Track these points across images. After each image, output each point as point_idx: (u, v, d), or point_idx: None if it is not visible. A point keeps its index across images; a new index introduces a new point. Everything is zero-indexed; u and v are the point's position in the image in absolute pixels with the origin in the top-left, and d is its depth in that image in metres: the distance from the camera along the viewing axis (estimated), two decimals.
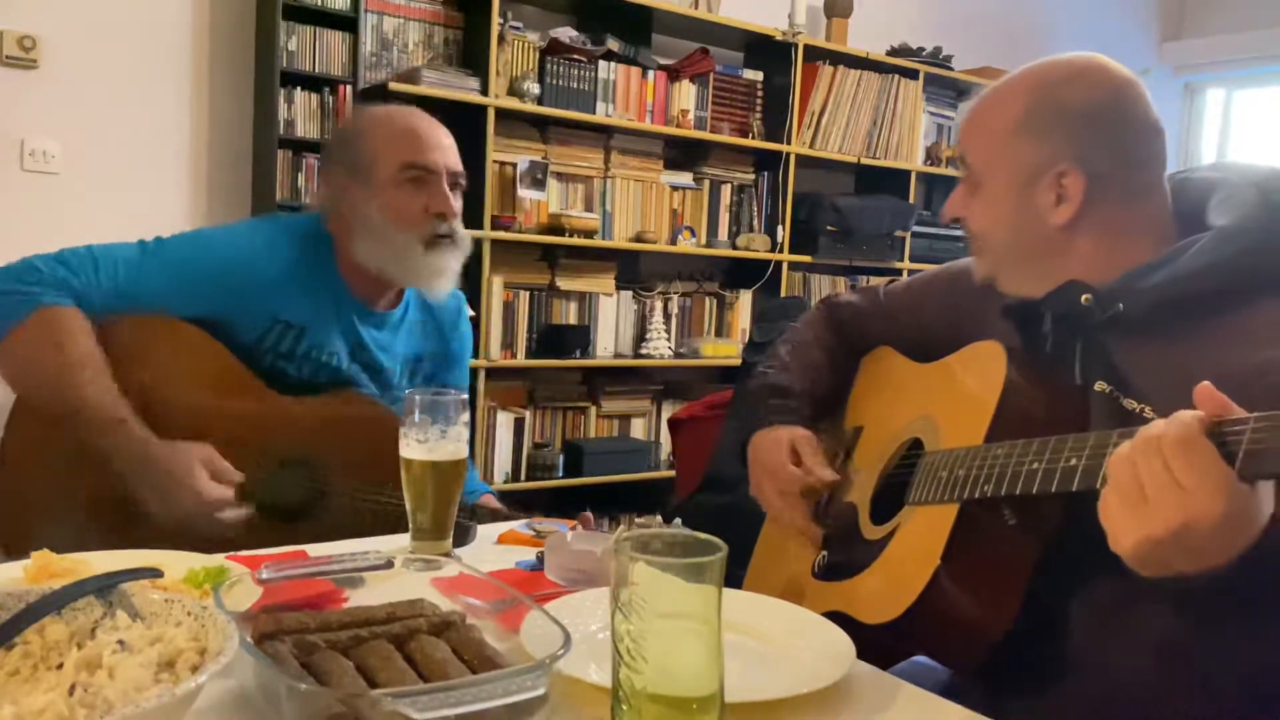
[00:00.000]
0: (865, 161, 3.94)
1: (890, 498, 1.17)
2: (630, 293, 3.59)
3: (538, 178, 3.23)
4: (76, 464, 1.41)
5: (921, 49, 4.08)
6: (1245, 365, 0.81)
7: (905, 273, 4.08)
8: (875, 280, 4.08)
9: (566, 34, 3.28)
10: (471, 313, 1.70)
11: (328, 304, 1.56)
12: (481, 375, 3.17)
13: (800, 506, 1.27)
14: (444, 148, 1.57)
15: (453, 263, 1.59)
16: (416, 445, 1.09)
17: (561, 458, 3.39)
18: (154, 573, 0.84)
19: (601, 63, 3.34)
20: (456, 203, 1.58)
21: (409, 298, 1.67)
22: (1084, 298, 1.04)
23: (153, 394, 1.44)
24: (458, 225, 1.58)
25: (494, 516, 1.46)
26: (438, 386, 1.69)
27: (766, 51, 3.73)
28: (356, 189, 1.54)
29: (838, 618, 1.06)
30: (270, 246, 1.54)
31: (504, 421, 3.31)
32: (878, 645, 1.00)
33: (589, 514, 1.43)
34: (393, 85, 2.91)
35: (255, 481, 1.44)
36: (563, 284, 3.41)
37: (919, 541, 1.05)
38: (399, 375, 1.66)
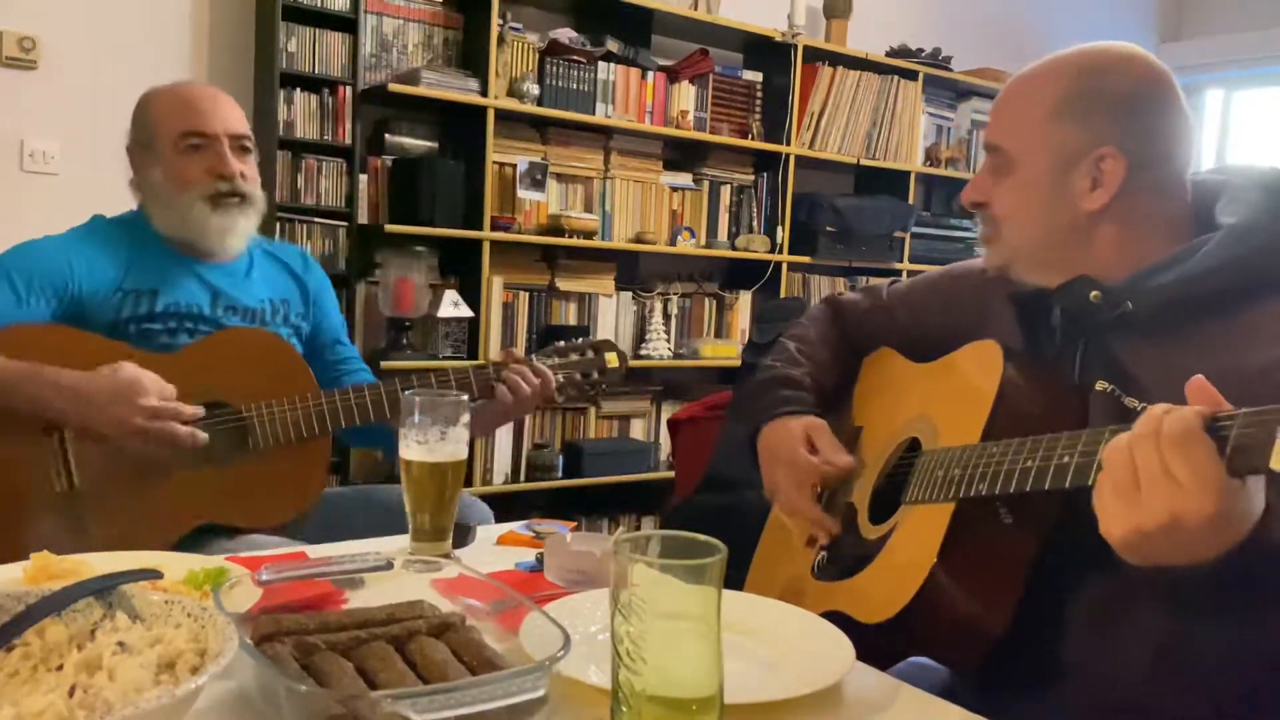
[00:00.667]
0: (865, 162, 3.94)
1: (889, 497, 1.18)
2: (630, 293, 3.59)
3: (537, 179, 3.23)
4: (10, 475, 1.44)
5: (921, 50, 4.08)
6: (1251, 364, 0.81)
7: (905, 273, 4.08)
8: (875, 281, 4.09)
9: (566, 35, 3.29)
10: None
11: (167, 265, 1.64)
12: None
13: (813, 498, 1.27)
14: (221, 114, 1.65)
15: (241, 221, 1.66)
16: (416, 446, 1.09)
17: (561, 458, 3.39)
18: (154, 574, 0.84)
19: (601, 64, 3.34)
20: (245, 166, 1.66)
21: (249, 253, 1.76)
22: (1093, 294, 1.05)
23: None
24: (246, 186, 1.65)
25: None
26: (313, 325, 1.82)
27: (766, 52, 3.73)
28: (145, 161, 1.65)
29: (837, 617, 1.06)
30: (86, 232, 1.64)
31: None
32: (877, 644, 1.00)
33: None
34: (392, 86, 2.91)
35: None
36: (562, 285, 3.41)
37: (915, 540, 1.06)
38: (268, 314, 1.73)
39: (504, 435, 3.31)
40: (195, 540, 1.50)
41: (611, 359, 1.73)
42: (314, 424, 1.57)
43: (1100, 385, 1.02)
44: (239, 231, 1.66)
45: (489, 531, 1.32)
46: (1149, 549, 0.78)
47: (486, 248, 3.13)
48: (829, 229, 3.81)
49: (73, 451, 1.46)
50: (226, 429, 1.55)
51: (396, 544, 1.21)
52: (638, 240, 3.50)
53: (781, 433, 1.30)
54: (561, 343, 1.75)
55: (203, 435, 1.48)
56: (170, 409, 1.45)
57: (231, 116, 1.66)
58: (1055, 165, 1.06)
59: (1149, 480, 0.75)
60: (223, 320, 1.66)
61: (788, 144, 3.71)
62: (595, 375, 1.73)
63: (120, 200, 2.75)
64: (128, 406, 1.42)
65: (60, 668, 0.71)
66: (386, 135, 3.06)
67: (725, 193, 3.75)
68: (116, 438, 1.43)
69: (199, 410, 1.48)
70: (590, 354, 1.74)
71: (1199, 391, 0.75)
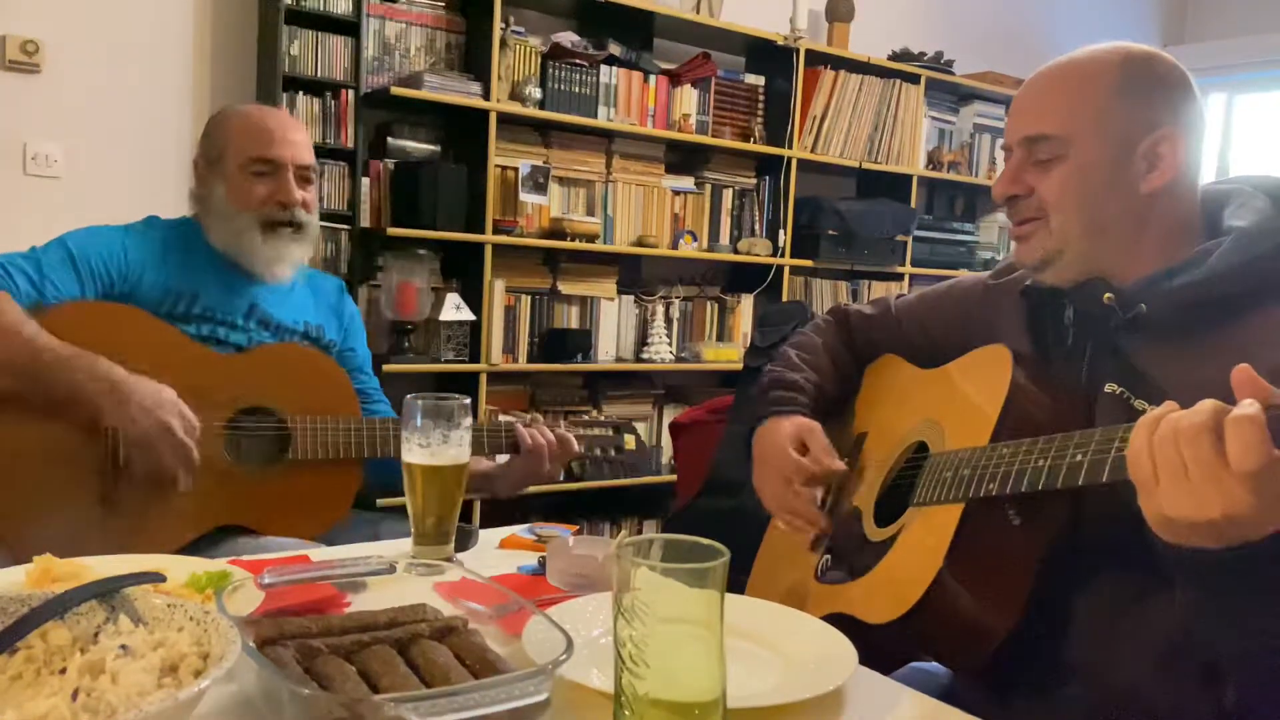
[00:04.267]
0: (867, 166, 3.94)
1: (895, 501, 1.18)
2: (632, 297, 3.59)
3: (539, 182, 3.23)
4: (51, 462, 1.47)
5: (923, 54, 4.08)
6: (1261, 367, 0.81)
7: (907, 277, 4.08)
8: (876, 284, 4.09)
9: (568, 39, 3.29)
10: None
11: (213, 274, 1.68)
12: (483, 379, 3.17)
13: (804, 495, 1.26)
14: (292, 142, 1.70)
15: (294, 249, 1.72)
16: (418, 450, 1.09)
17: None
18: (157, 577, 0.84)
19: (603, 67, 3.34)
20: (307, 195, 1.72)
21: (299, 272, 1.80)
22: (1106, 297, 1.05)
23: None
24: (304, 216, 1.71)
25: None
26: (340, 354, 1.85)
27: (768, 56, 3.74)
28: (211, 177, 1.70)
29: (841, 619, 1.06)
30: (144, 227, 1.70)
31: None
32: (881, 646, 1.00)
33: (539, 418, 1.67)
34: (395, 90, 2.92)
35: (221, 432, 1.56)
36: (564, 288, 3.41)
37: (923, 542, 1.06)
38: (294, 338, 1.76)
39: None
40: (214, 538, 1.54)
41: (629, 441, 1.79)
42: (351, 446, 1.61)
43: (1109, 387, 1.02)
44: (289, 259, 1.71)
45: (491, 535, 1.32)
46: (1190, 534, 0.77)
47: (488, 251, 3.13)
48: (831, 232, 3.81)
49: (123, 438, 1.48)
50: (267, 435, 1.60)
51: (399, 547, 1.21)
52: (640, 244, 3.50)
53: (773, 432, 1.31)
54: (585, 416, 1.83)
55: (188, 483, 1.49)
56: (185, 445, 1.47)
57: (301, 147, 1.71)
58: (1115, 146, 1.04)
59: (1204, 476, 0.73)
60: (253, 334, 1.70)
61: (790, 147, 3.71)
62: (612, 452, 1.79)
63: (122, 204, 2.76)
64: (153, 420, 1.45)
65: (63, 671, 0.71)
66: (389, 139, 3.06)
67: (727, 196, 3.75)
68: (129, 440, 1.46)
69: (195, 459, 1.49)
70: (610, 431, 1.80)
71: (1247, 381, 0.74)
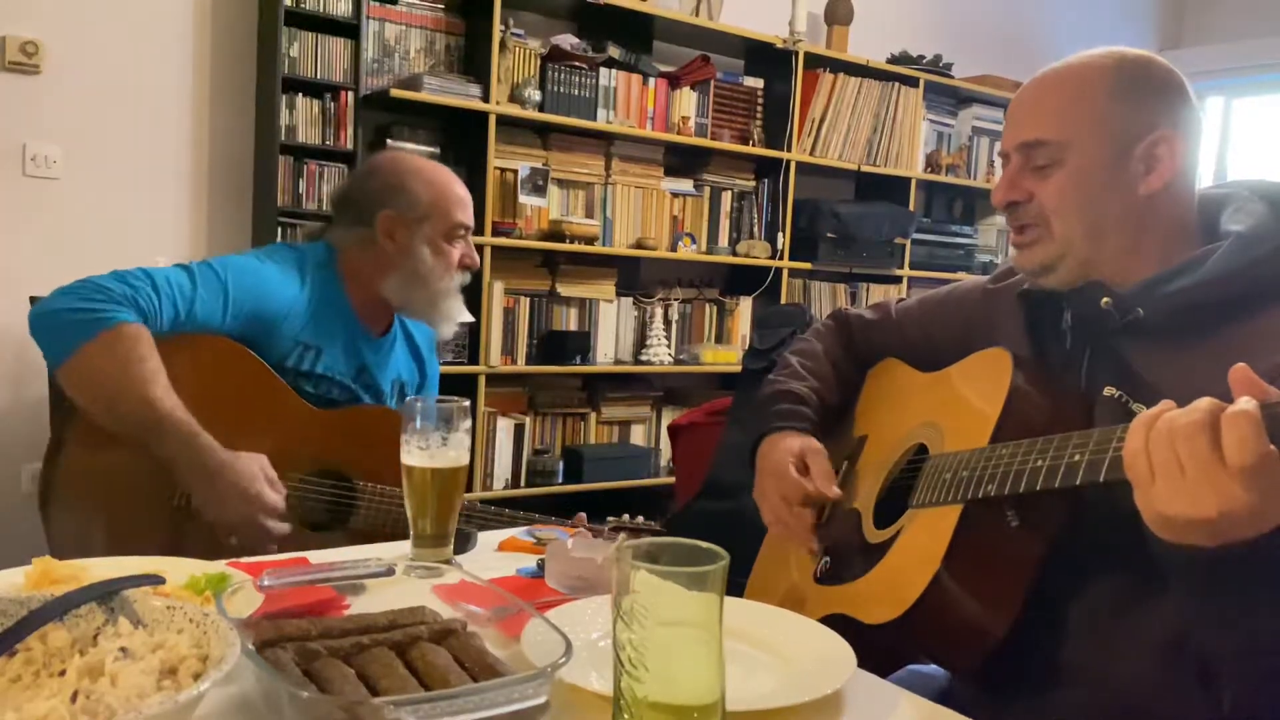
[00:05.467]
0: (865, 169, 3.94)
1: (894, 503, 1.18)
2: (630, 299, 3.59)
3: (538, 184, 3.23)
4: (135, 479, 1.46)
5: (922, 57, 4.09)
6: (1259, 370, 0.82)
7: (905, 280, 4.09)
8: (875, 287, 4.09)
9: (568, 41, 3.29)
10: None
11: (339, 328, 1.68)
12: (481, 381, 3.17)
13: (801, 515, 1.27)
14: (471, 208, 1.77)
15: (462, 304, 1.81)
16: (418, 452, 1.09)
17: (561, 464, 3.39)
18: (156, 579, 0.84)
19: (602, 70, 3.35)
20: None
21: (396, 327, 1.81)
22: (1104, 301, 1.05)
23: (202, 406, 1.47)
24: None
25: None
26: None
27: (767, 59, 3.74)
28: (407, 233, 1.69)
29: (840, 620, 1.07)
30: (295, 273, 1.65)
31: (504, 427, 3.31)
32: (879, 647, 1.00)
33: (583, 516, 1.58)
34: (394, 92, 2.92)
35: (291, 488, 1.52)
36: (563, 290, 3.42)
37: (922, 543, 1.06)
38: (389, 398, 1.78)
39: (505, 441, 3.31)
40: None
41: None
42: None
43: (1108, 391, 1.02)
44: (459, 317, 1.81)
45: (490, 537, 1.32)
46: (1186, 532, 0.78)
47: (488, 253, 3.13)
48: (829, 235, 3.81)
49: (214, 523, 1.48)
50: (336, 499, 1.59)
51: (398, 550, 1.21)
52: (639, 246, 3.50)
53: (778, 449, 1.31)
54: (611, 518, 1.80)
55: (278, 538, 1.47)
56: (270, 527, 1.45)
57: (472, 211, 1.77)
58: (1112, 149, 1.04)
59: (1201, 474, 0.74)
60: (358, 395, 1.71)
61: (789, 150, 3.72)
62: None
63: (122, 205, 2.76)
64: (239, 514, 1.43)
65: (63, 673, 0.71)
66: (388, 140, 3.06)
67: (726, 199, 3.76)
68: (211, 522, 1.45)
69: (285, 529, 1.48)
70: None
71: (1244, 380, 0.74)
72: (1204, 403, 0.75)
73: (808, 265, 3.82)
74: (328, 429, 1.60)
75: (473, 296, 3.14)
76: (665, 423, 3.53)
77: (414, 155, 1.84)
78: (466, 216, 1.74)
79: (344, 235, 1.73)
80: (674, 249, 3.59)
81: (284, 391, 1.58)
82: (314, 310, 1.64)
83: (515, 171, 3.20)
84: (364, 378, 1.72)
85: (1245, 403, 0.73)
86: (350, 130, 2.92)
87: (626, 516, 1.78)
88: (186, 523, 1.48)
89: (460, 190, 1.75)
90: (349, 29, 2.91)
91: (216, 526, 1.44)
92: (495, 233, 3.14)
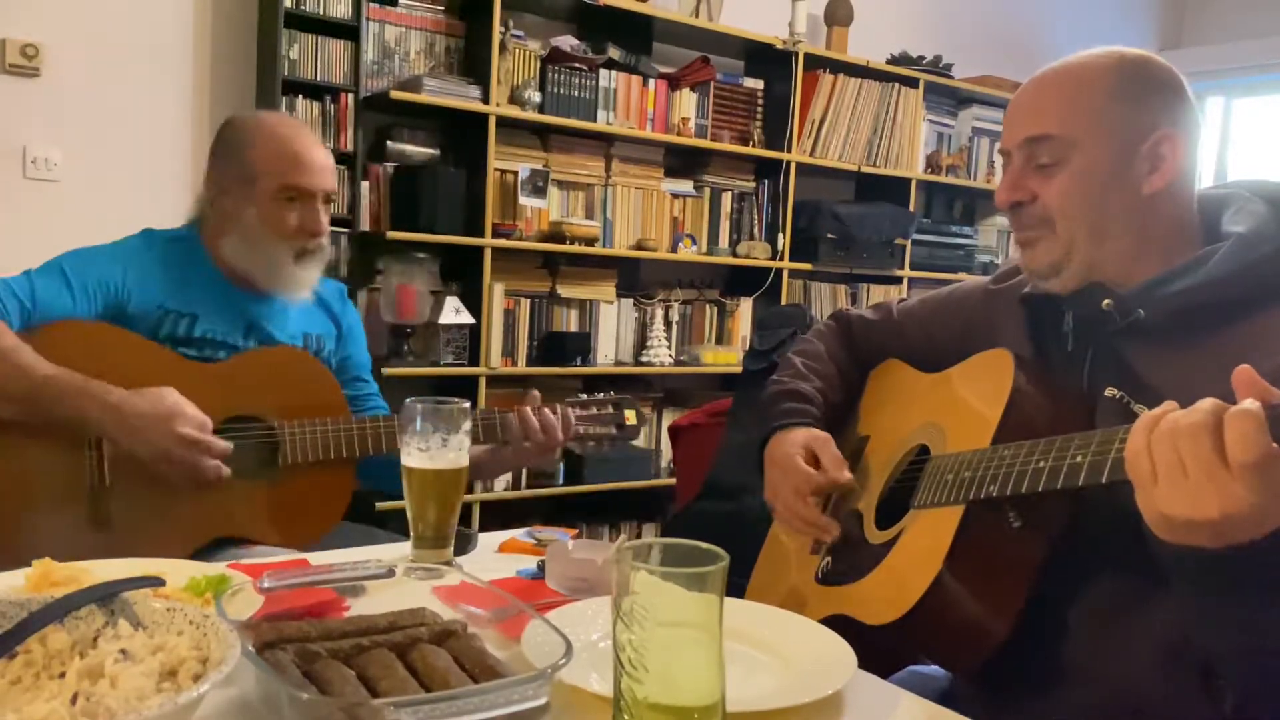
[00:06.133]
0: (865, 169, 3.95)
1: (896, 503, 1.18)
2: (631, 300, 3.59)
3: (539, 185, 3.23)
4: (44, 474, 1.48)
5: (922, 58, 4.09)
6: (1261, 371, 0.81)
7: (906, 280, 4.09)
8: (875, 287, 4.09)
9: (568, 43, 3.29)
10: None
11: (212, 292, 1.66)
12: (482, 383, 3.17)
13: (813, 504, 1.27)
14: (323, 170, 1.67)
15: (315, 274, 1.72)
16: (418, 454, 1.09)
17: (561, 465, 3.38)
18: (156, 581, 0.84)
19: (602, 71, 3.35)
20: (326, 219, 1.70)
21: None
22: (1105, 302, 1.05)
23: None
24: (325, 240, 1.72)
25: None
26: (340, 360, 1.84)
27: (767, 60, 3.74)
28: (237, 194, 1.65)
29: (841, 620, 1.07)
30: (140, 246, 1.65)
31: None
32: (880, 648, 1.00)
33: (535, 394, 1.68)
34: (394, 93, 2.92)
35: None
36: (563, 291, 3.41)
37: (923, 543, 1.06)
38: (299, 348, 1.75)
39: None
40: (209, 550, 1.53)
41: (630, 416, 1.76)
42: (341, 446, 1.60)
43: (1110, 392, 1.02)
44: (311, 284, 1.72)
45: (490, 539, 1.32)
46: (1188, 533, 0.78)
47: (488, 254, 3.13)
48: (830, 236, 3.81)
49: (108, 454, 1.49)
50: (256, 444, 1.58)
51: (398, 551, 1.21)
52: (639, 247, 3.50)
53: (785, 444, 1.31)
54: (584, 395, 1.79)
55: (226, 471, 1.50)
56: (204, 441, 1.47)
57: (329, 173, 1.69)
58: (1117, 148, 1.04)
59: (1202, 475, 0.74)
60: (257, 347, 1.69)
61: (789, 151, 3.72)
62: (614, 429, 1.76)
63: (122, 208, 2.76)
64: (164, 432, 1.45)
65: (62, 675, 0.71)
66: (388, 142, 3.06)
67: (726, 200, 3.76)
68: (148, 460, 1.46)
69: (228, 446, 1.51)
70: (611, 409, 1.77)
71: (1248, 382, 0.74)
72: (1207, 403, 0.75)
73: (808, 266, 3.82)
74: (228, 378, 1.60)
75: (473, 298, 3.14)
76: (666, 424, 3.52)
77: (266, 115, 1.77)
78: (303, 178, 1.64)
79: (200, 201, 1.73)
80: (674, 250, 3.59)
81: (167, 354, 1.58)
82: (175, 277, 1.63)
83: (515, 173, 3.20)
84: (258, 334, 1.70)
85: (1249, 403, 0.73)
86: (350, 132, 2.92)
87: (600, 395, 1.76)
88: (113, 502, 1.49)
89: (299, 149, 1.66)
90: (349, 31, 2.91)
91: (149, 461, 1.45)
92: (495, 234, 3.14)
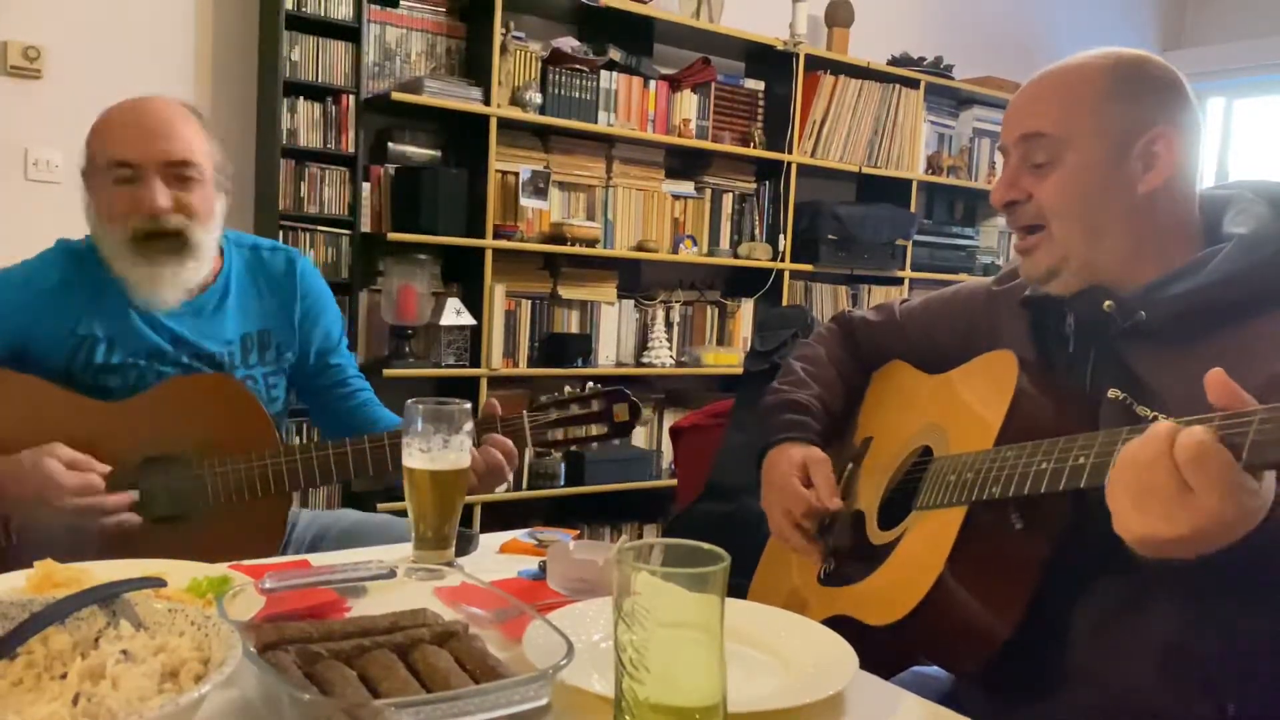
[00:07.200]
0: (866, 170, 3.95)
1: (898, 505, 1.18)
2: (632, 301, 3.59)
3: (540, 187, 3.23)
4: None
5: (922, 59, 4.09)
6: (1262, 374, 0.82)
7: (907, 281, 4.09)
8: (876, 288, 4.09)
9: (568, 44, 3.30)
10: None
11: (123, 308, 1.48)
12: (483, 384, 3.17)
13: (804, 529, 1.27)
14: (154, 137, 1.44)
15: (177, 269, 1.46)
16: (419, 454, 1.09)
17: (563, 466, 3.38)
18: (157, 582, 0.84)
19: (603, 72, 3.35)
20: (187, 196, 1.45)
21: (224, 278, 1.57)
22: (1106, 304, 1.05)
23: None
24: (180, 221, 1.44)
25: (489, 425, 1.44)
26: (303, 346, 1.63)
27: (768, 61, 3.74)
28: (88, 190, 1.48)
29: (843, 621, 1.07)
30: (37, 268, 1.50)
31: None
32: (882, 649, 1.00)
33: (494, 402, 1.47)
34: (395, 95, 2.92)
35: (125, 487, 1.38)
36: (564, 293, 3.42)
37: (925, 544, 1.06)
38: (238, 357, 1.56)
39: None
40: None
41: (621, 411, 1.49)
42: (270, 483, 1.43)
43: (1112, 394, 1.02)
44: (169, 280, 1.46)
45: (491, 540, 1.32)
46: (1165, 549, 0.79)
47: (489, 256, 3.13)
48: (831, 237, 3.81)
49: (13, 514, 1.37)
50: (177, 485, 1.43)
51: (399, 552, 1.21)
52: (640, 248, 3.50)
53: (782, 460, 1.31)
54: (567, 389, 1.55)
55: (135, 519, 1.37)
56: (94, 504, 1.34)
57: (169, 141, 1.44)
58: (1110, 147, 1.04)
59: (1167, 497, 0.75)
60: (192, 368, 1.52)
61: (789, 152, 3.72)
62: (594, 429, 1.50)
63: None
64: (50, 507, 1.31)
65: (64, 676, 0.71)
66: (389, 144, 3.07)
67: (727, 201, 3.76)
68: (30, 522, 1.35)
69: (123, 499, 1.36)
70: (594, 404, 1.50)
71: (1219, 386, 0.75)
72: (1162, 428, 0.77)
73: (809, 267, 3.82)
74: (143, 415, 1.43)
75: (474, 299, 3.14)
76: (667, 425, 3.52)
77: (128, 98, 1.53)
78: (125, 150, 1.42)
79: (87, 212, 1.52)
80: (675, 251, 3.59)
81: (67, 397, 1.43)
82: (85, 298, 1.46)
83: (516, 174, 3.20)
84: (186, 349, 1.51)
85: (1195, 429, 0.74)
86: (352, 134, 2.92)
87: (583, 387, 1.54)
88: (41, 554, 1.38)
89: (126, 117, 1.46)
90: (350, 32, 2.91)
91: (46, 530, 1.32)
92: (496, 235, 3.15)
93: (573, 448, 1.53)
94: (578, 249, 3.30)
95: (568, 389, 1.56)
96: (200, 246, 1.48)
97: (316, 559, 1.20)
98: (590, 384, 1.57)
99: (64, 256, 1.51)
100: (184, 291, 1.49)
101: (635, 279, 3.63)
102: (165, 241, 1.44)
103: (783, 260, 3.77)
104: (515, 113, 3.14)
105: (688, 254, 3.60)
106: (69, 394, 1.44)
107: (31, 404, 1.42)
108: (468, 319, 3.11)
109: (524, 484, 3.35)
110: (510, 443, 1.43)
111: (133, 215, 1.43)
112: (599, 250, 3.37)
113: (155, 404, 1.45)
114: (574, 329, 3.45)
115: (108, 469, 1.37)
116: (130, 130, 1.44)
